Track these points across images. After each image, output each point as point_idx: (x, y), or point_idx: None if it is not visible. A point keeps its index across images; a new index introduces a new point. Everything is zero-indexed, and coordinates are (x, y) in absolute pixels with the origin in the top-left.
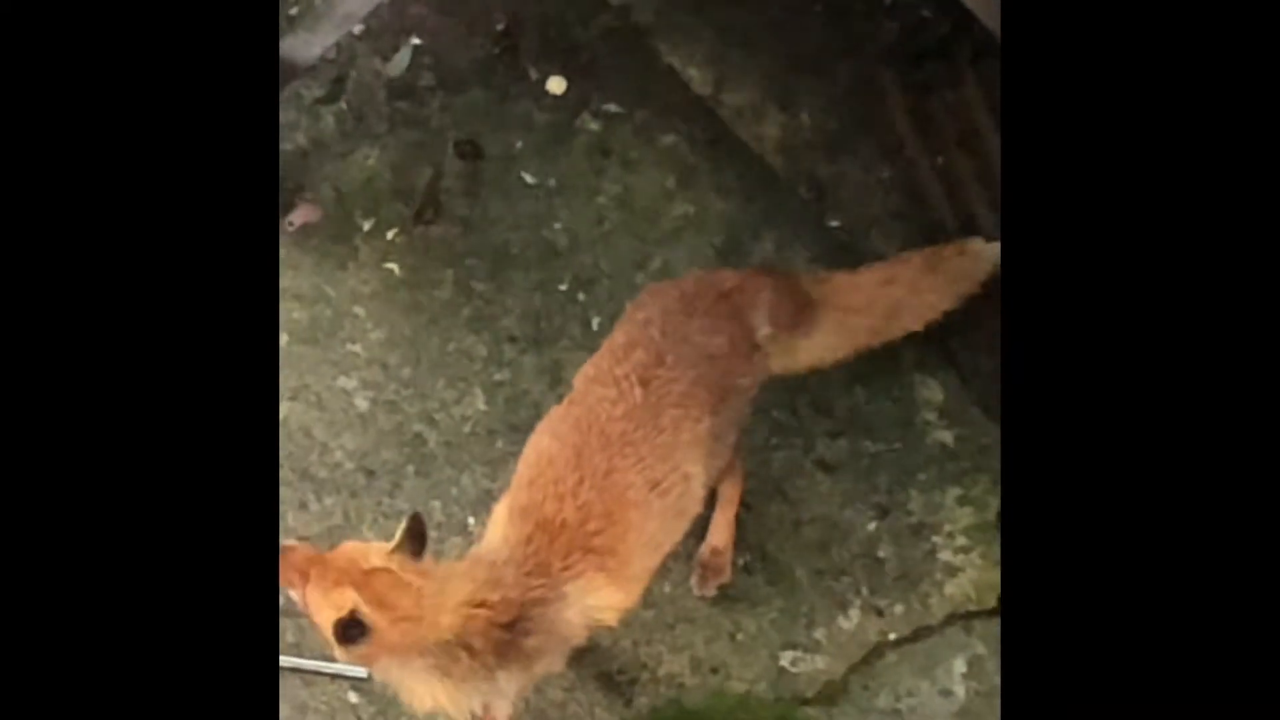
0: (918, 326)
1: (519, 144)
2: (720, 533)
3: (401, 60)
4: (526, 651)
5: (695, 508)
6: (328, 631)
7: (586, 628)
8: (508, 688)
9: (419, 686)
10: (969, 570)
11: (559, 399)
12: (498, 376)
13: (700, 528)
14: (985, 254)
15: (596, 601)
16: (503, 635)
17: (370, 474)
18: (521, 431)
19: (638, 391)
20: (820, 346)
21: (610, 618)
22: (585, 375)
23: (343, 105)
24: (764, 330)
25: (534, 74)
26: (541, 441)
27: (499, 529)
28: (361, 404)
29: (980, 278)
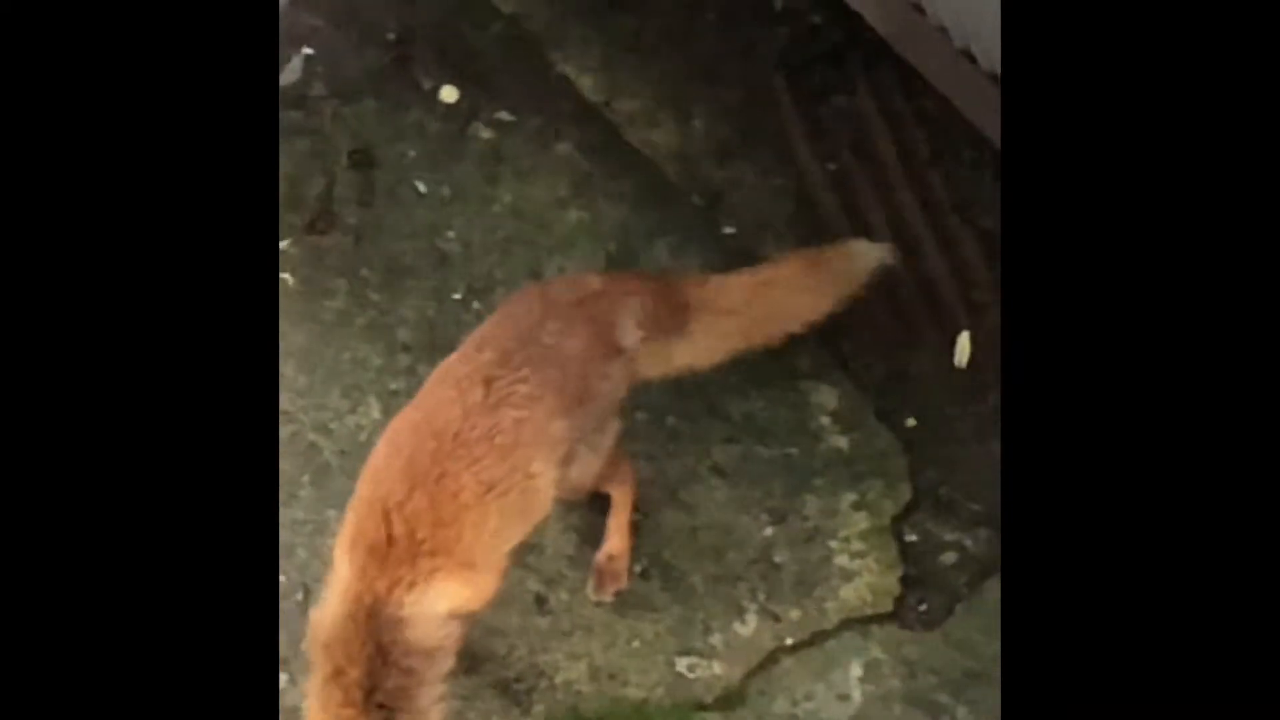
0: (797, 328)
1: (412, 153)
2: (615, 539)
3: (294, 70)
4: (406, 692)
5: (542, 507)
6: None
7: (448, 630)
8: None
9: None
10: (864, 575)
11: None
12: (393, 386)
13: (596, 534)
14: (868, 255)
15: (443, 605)
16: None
17: None
18: None
19: (478, 391)
20: (695, 349)
21: (465, 609)
22: (431, 378)
23: None
24: (630, 334)
25: (426, 83)
26: (378, 454)
27: (338, 574)
28: None
29: (862, 279)
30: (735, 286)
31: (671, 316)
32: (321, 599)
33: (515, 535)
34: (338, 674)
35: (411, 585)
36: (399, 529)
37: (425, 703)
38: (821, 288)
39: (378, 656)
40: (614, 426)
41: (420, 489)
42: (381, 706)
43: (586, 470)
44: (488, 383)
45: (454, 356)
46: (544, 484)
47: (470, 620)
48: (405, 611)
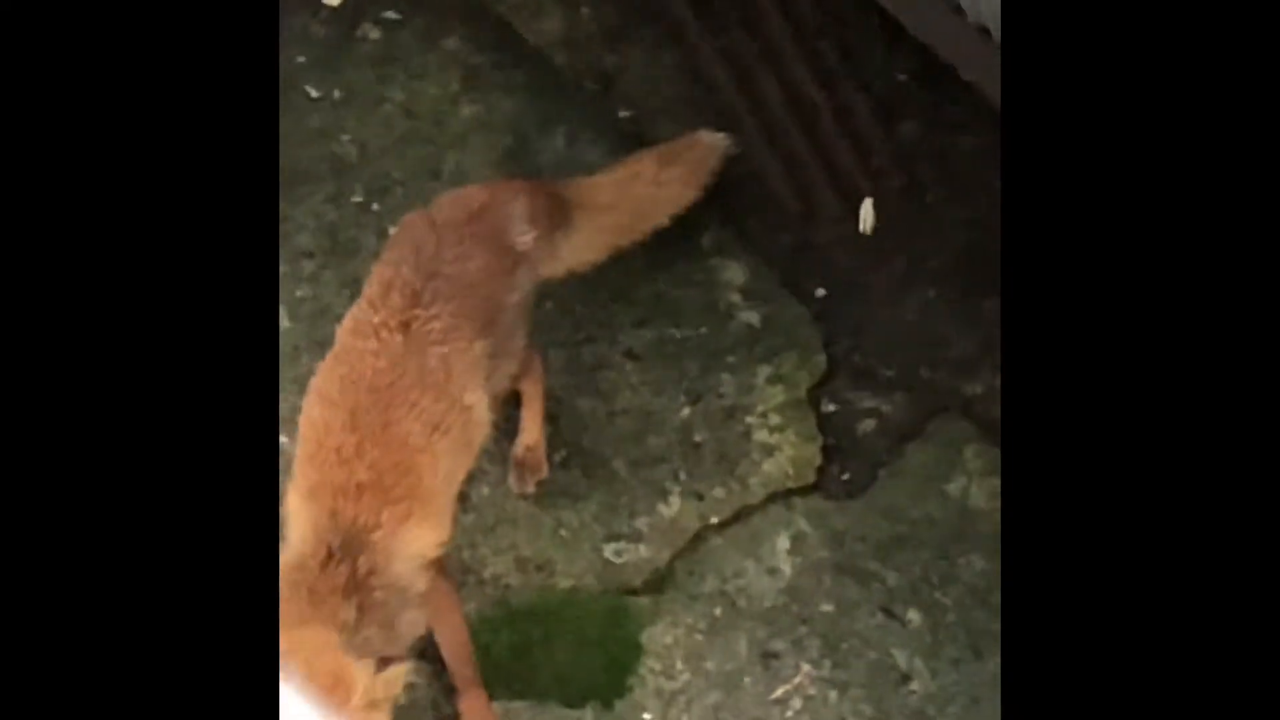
0: (665, 220)
1: (300, 59)
2: (531, 430)
3: None
4: (386, 621)
5: (483, 432)
6: None
7: (419, 572)
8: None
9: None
10: (785, 448)
11: None
12: (298, 293)
13: (512, 427)
14: (715, 143)
15: (417, 547)
16: (355, 619)
17: None
18: (326, 346)
19: (398, 338)
20: (581, 246)
21: (434, 552)
22: (345, 329)
23: None
24: (525, 237)
25: None
26: (313, 410)
27: (298, 522)
28: None
29: (712, 166)
30: (603, 183)
31: (556, 212)
32: (283, 548)
33: (464, 467)
34: (319, 611)
35: (386, 529)
36: (364, 475)
37: (402, 629)
38: (682, 178)
39: (359, 589)
40: (523, 329)
41: (368, 440)
42: (366, 635)
43: (504, 378)
44: (405, 326)
45: (362, 304)
46: (479, 412)
47: (436, 566)
48: (383, 553)
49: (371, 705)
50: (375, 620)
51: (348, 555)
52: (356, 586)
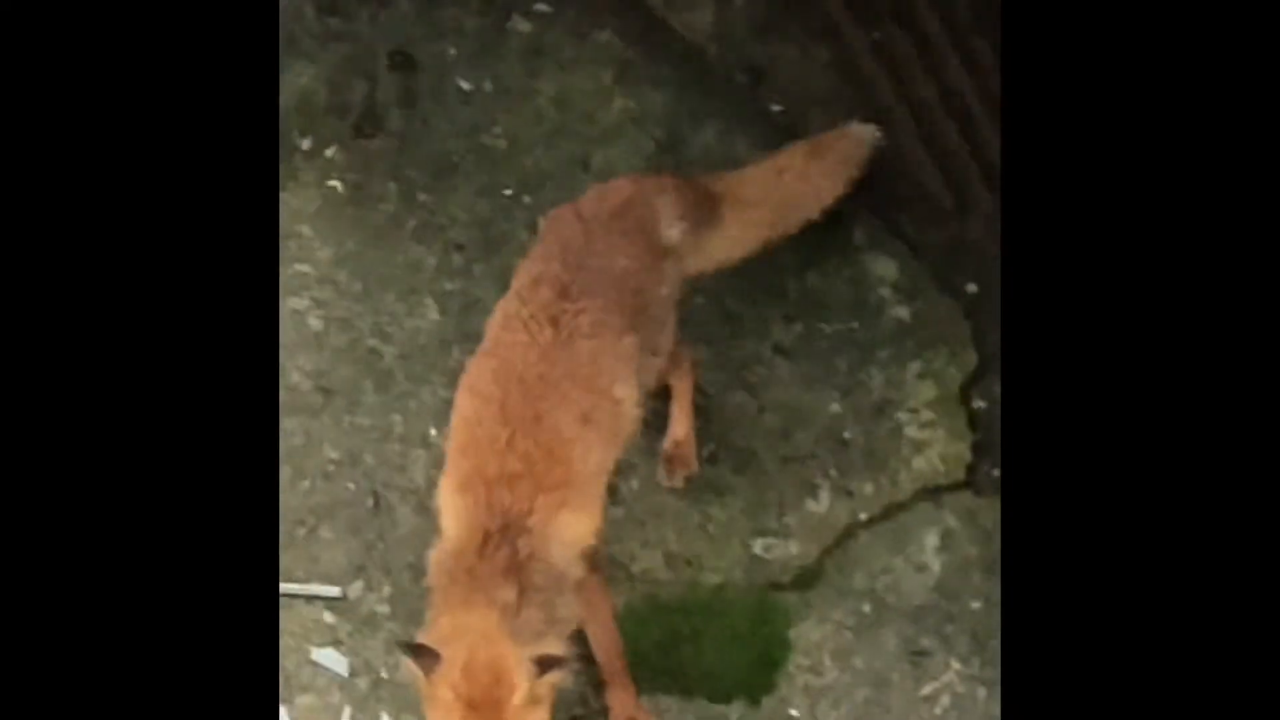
0: (815, 215)
1: (452, 51)
2: (680, 425)
3: None
4: (545, 604)
5: (632, 425)
6: None
7: (573, 561)
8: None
9: None
10: (935, 444)
11: None
12: (449, 286)
13: (662, 422)
14: (864, 136)
15: (571, 534)
16: (516, 600)
17: (328, 393)
18: (476, 340)
19: (548, 332)
20: (729, 240)
21: (587, 541)
22: (495, 323)
23: None
24: (673, 231)
25: None
26: (464, 404)
27: (452, 512)
28: (315, 323)
29: (862, 160)
30: (751, 178)
31: (705, 207)
32: (439, 541)
33: (613, 458)
34: (480, 594)
35: (541, 516)
36: (516, 466)
37: (561, 614)
38: (830, 172)
39: (519, 570)
40: (672, 323)
41: (520, 432)
42: (526, 618)
43: (653, 372)
44: (554, 320)
45: (511, 297)
46: (629, 405)
47: (589, 557)
48: (539, 538)
49: (532, 703)
50: (535, 602)
51: (506, 539)
52: (517, 568)
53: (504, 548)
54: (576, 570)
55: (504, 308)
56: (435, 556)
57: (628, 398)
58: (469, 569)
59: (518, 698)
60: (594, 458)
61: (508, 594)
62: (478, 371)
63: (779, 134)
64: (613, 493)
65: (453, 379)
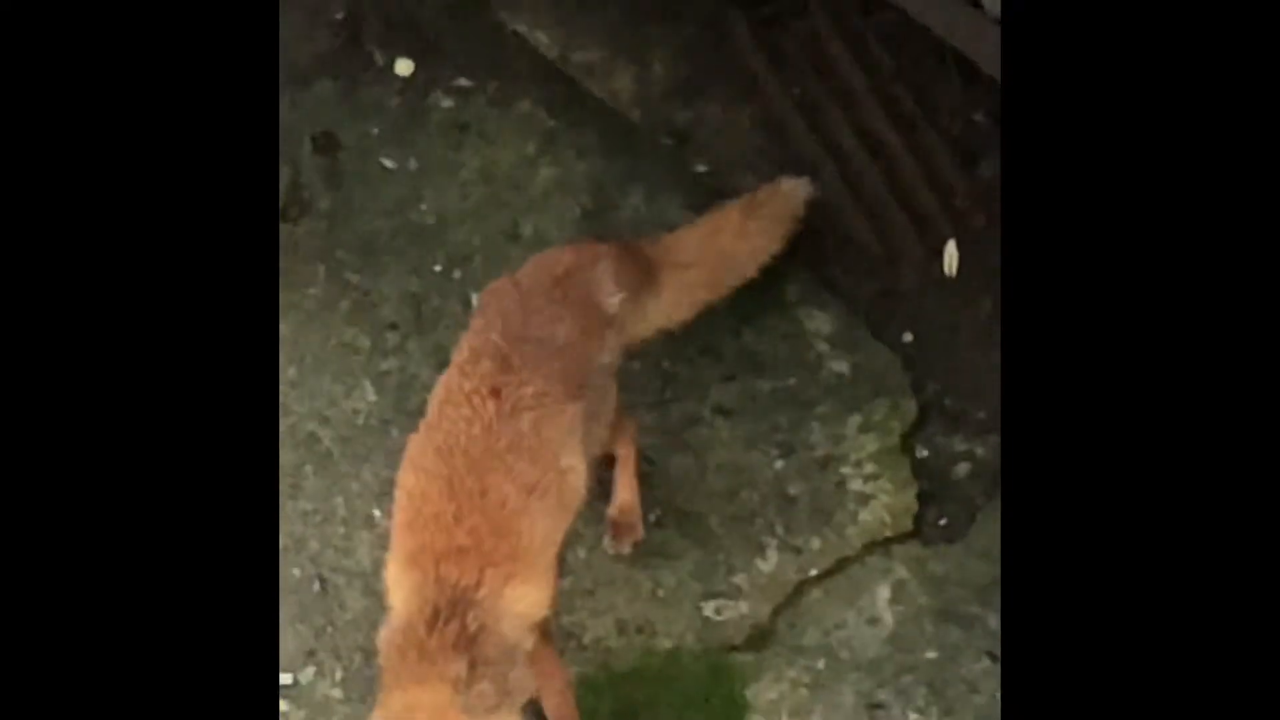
0: (752, 273)
1: (374, 130)
2: (625, 491)
3: None
4: (497, 677)
5: (579, 496)
6: None
7: (525, 633)
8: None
9: None
10: (881, 496)
11: None
12: (384, 366)
13: (606, 489)
14: (797, 191)
15: (521, 606)
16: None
17: None
18: (415, 418)
19: (490, 405)
20: (668, 305)
21: (538, 613)
22: (437, 398)
23: None
24: (612, 297)
25: (380, 59)
26: (408, 480)
27: (400, 589)
28: None
29: (797, 214)
30: (687, 239)
31: (642, 273)
32: (388, 617)
33: (562, 529)
34: (431, 669)
35: (490, 589)
36: (463, 540)
37: (513, 686)
38: (765, 229)
39: (470, 644)
40: (613, 392)
41: (467, 506)
42: (479, 690)
43: (597, 441)
44: (496, 393)
45: (452, 372)
46: (575, 475)
47: (541, 627)
48: (489, 611)
49: None
50: (487, 676)
51: (455, 613)
52: (467, 642)
53: (453, 621)
54: (528, 642)
55: (445, 382)
56: (384, 634)
57: (574, 468)
58: (419, 644)
59: None
60: (541, 529)
61: (459, 668)
62: (421, 447)
63: (706, 194)
64: (560, 563)
65: (393, 458)
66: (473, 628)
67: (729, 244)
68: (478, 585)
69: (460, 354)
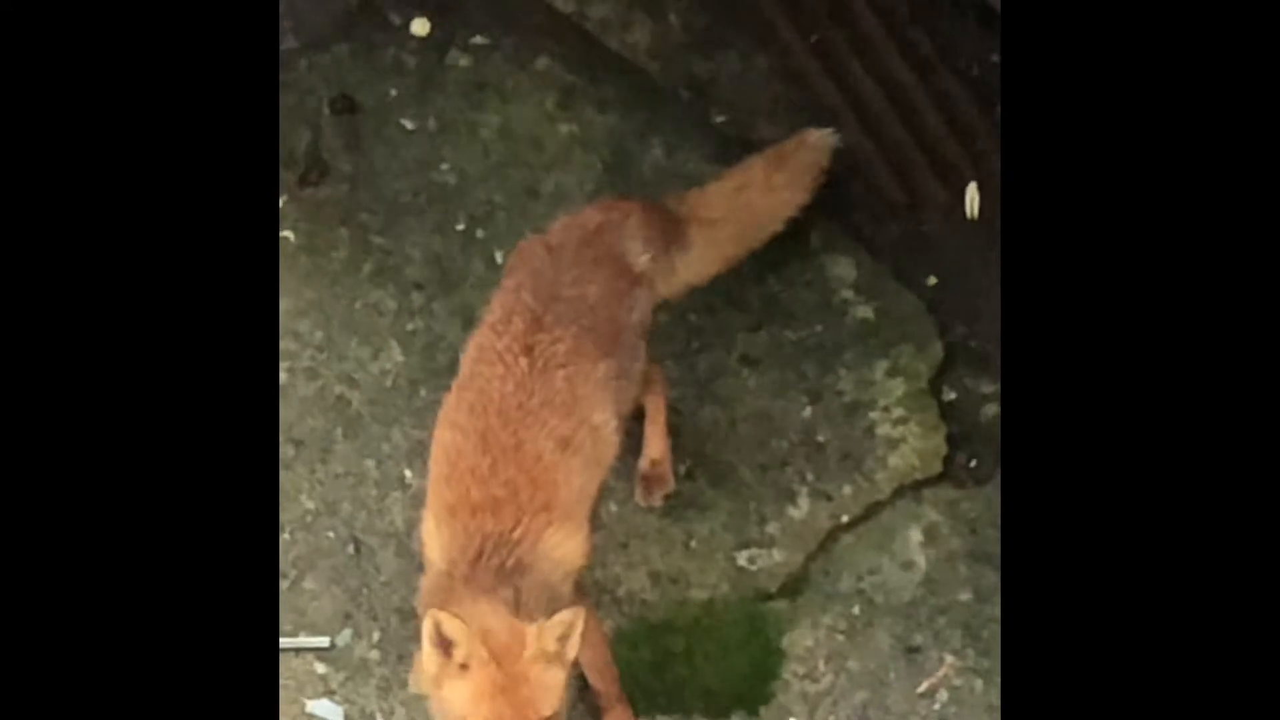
0: (779, 226)
1: (393, 92)
2: (655, 443)
3: None
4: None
5: (612, 450)
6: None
7: (564, 579)
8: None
9: None
10: (910, 440)
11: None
12: (410, 326)
13: (636, 443)
14: (822, 142)
15: (559, 553)
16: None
17: (299, 444)
18: (443, 377)
19: (522, 362)
20: (697, 261)
21: (575, 561)
22: (469, 357)
23: None
24: (642, 257)
25: (396, 19)
26: (444, 436)
27: (437, 540)
28: (280, 376)
29: (822, 164)
30: (714, 195)
31: (670, 230)
32: (426, 570)
33: (595, 483)
34: (481, 596)
35: (528, 536)
36: (499, 491)
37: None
38: (792, 182)
39: (511, 578)
40: (643, 349)
41: (501, 459)
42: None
43: (628, 397)
44: (528, 351)
45: (484, 330)
46: (607, 430)
47: (577, 577)
48: (528, 552)
49: (546, 659)
50: (532, 604)
51: (496, 552)
52: (509, 576)
53: (494, 558)
54: (566, 590)
55: (478, 341)
56: (424, 585)
57: (606, 423)
58: (464, 578)
59: (530, 650)
60: (576, 482)
61: (506, 594)
62: (455, 405)
63: (727, 145)
64: (594, 518)
65: (422, 419)
66: (512, 565)
67: (756, 198)
68: (514, 529)
69: (492, 313)
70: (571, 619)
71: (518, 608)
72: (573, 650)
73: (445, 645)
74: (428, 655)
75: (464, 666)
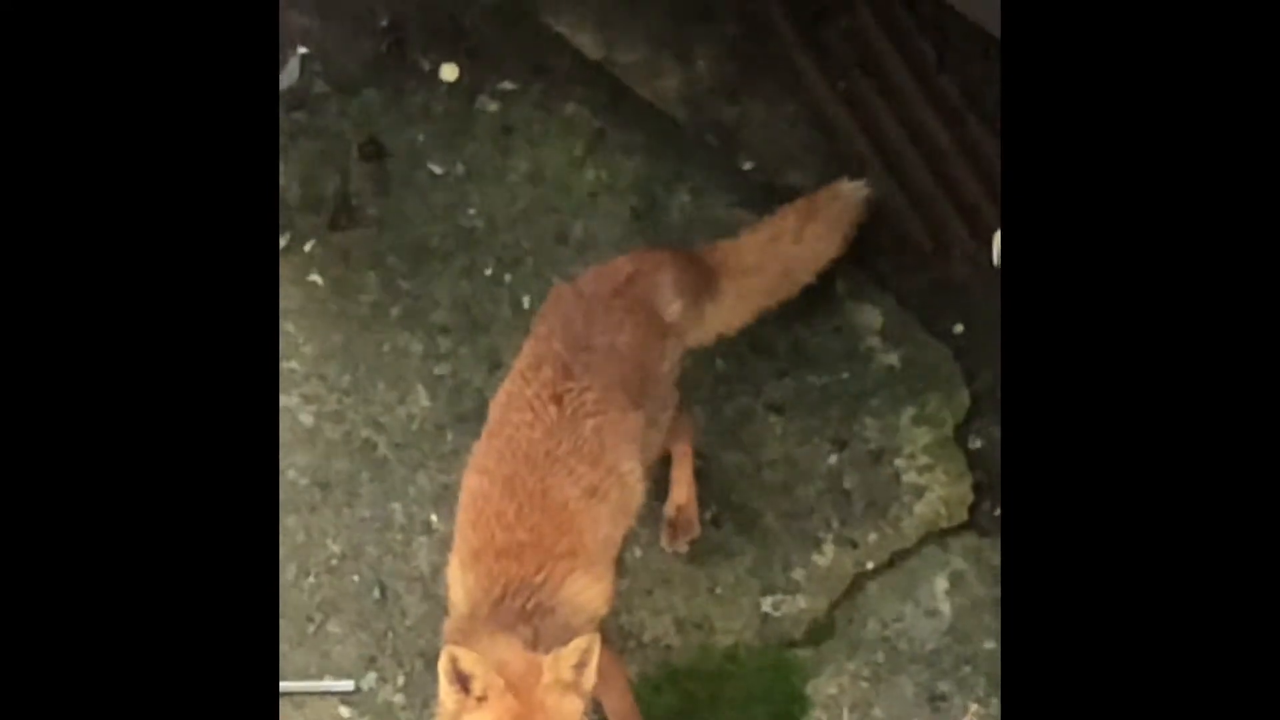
0: (810, 277)
1: (421, 136)
2: (681, 489)
3: (292, 71)
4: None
5: (638, 499)
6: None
7: (585, 624)
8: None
9: None
10: (935, 488)
11: (500, 382)
12: (437, 370)
13: (662, 488)
14: (855, 193)
15: (582, 598)
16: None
17: (325, 487)
18: (469, 422)
19: (552, 410)
20: (728, 312)
21: (598, 607)
22: (499, 403)
23: None
24: (673, 307)
25: (425, 64)
26: (471, 482)
27: (462, 583)
28: (306, 419)
29: (854, 216)
30: (746, 245)
31: (702, 281)
32: (450, 613)
33: (620, 531)
34: (500, 635)
35: (551, 581)
36: (524, 536)
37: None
38: (824, 233)
39: (532, 619)
40: (673, 396)
41: (529, 505)
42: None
43: (655, 445)
44: (558, 400)
45: (514, 378)
46: (634, 479)
47: (598, 624)
48: (549, 596)
49: (563, 687)
50: (550, 644)
51: (518, 597)
52: (529, 617)
53: (516, 600)
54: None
55: (507, 388)
56: (447, 628)
57: (632, 471)
58: (485, 619)
59: (546, 678)
60: (602, 530)
61: (525, 633)
62: (484, 452)
63: (753, 192)
64: (619, 565)
65: (449, 463)
66: (532, 607)
67: (788, 249)
68: (538, 573)
69: (522, 360)
70: (587, 645)
71: (535, 646)
72: (589, 679)
73: (463, 681)
74: (445, 692)
75: (481, 699)
